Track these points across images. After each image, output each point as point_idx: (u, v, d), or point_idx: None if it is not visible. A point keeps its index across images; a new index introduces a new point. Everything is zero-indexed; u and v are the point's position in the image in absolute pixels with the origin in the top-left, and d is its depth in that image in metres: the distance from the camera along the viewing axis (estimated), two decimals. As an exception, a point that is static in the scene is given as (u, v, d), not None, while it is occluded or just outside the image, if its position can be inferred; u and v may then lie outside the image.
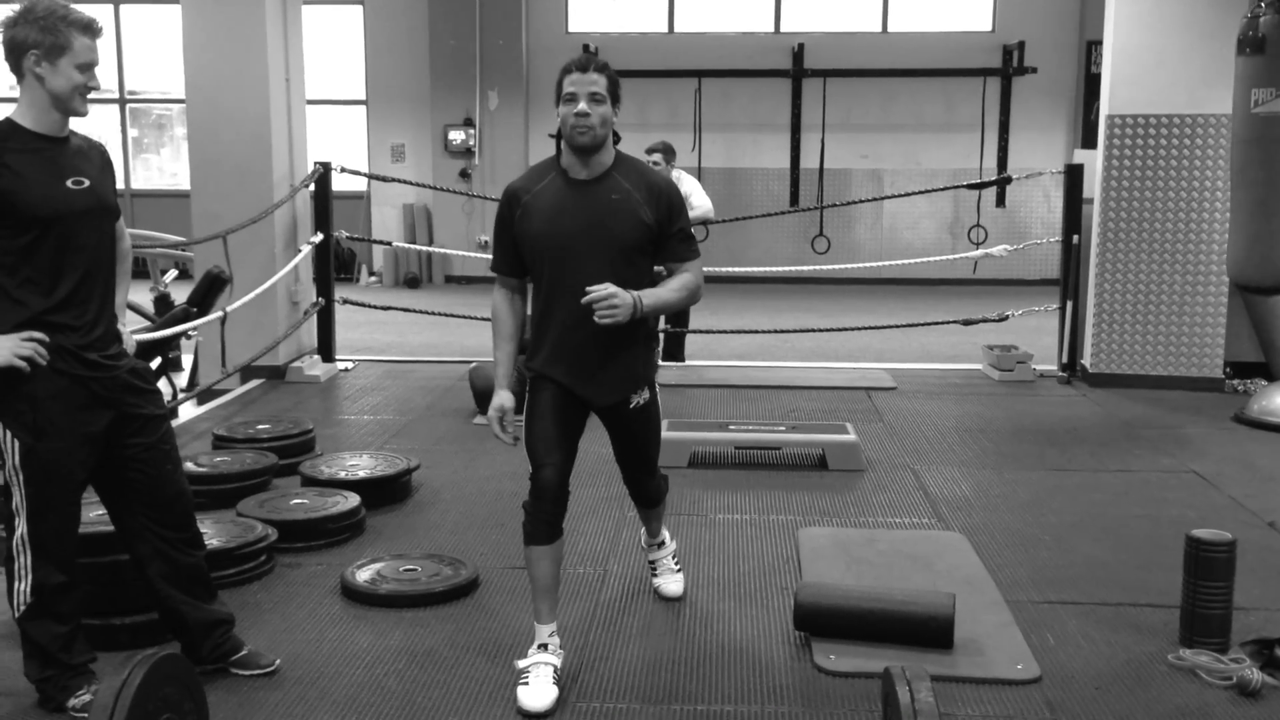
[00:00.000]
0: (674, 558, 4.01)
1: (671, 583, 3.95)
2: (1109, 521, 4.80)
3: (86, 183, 3.06)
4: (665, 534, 3.99)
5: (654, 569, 3.99)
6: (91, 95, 3.07)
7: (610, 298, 3.11)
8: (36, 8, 2.98)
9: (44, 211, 2.97)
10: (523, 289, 3.44)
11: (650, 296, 3.23)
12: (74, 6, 3.03)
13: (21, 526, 3.05)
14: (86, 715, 2.72)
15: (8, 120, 3.02)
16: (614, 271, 3.23)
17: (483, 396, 6.37)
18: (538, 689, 3.16)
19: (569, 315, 3.26)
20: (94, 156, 3.15)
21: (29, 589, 3.06)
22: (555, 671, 3.23)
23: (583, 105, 3.19)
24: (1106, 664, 3.46)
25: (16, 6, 3.01)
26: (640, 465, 3.68)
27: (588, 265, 3.23)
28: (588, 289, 3.13)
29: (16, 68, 3.00)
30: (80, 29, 2.99)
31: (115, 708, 2.30)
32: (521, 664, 3.25)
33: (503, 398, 3.32)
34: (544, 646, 3.26)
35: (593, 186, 3.28)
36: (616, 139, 3.34)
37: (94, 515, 3.59)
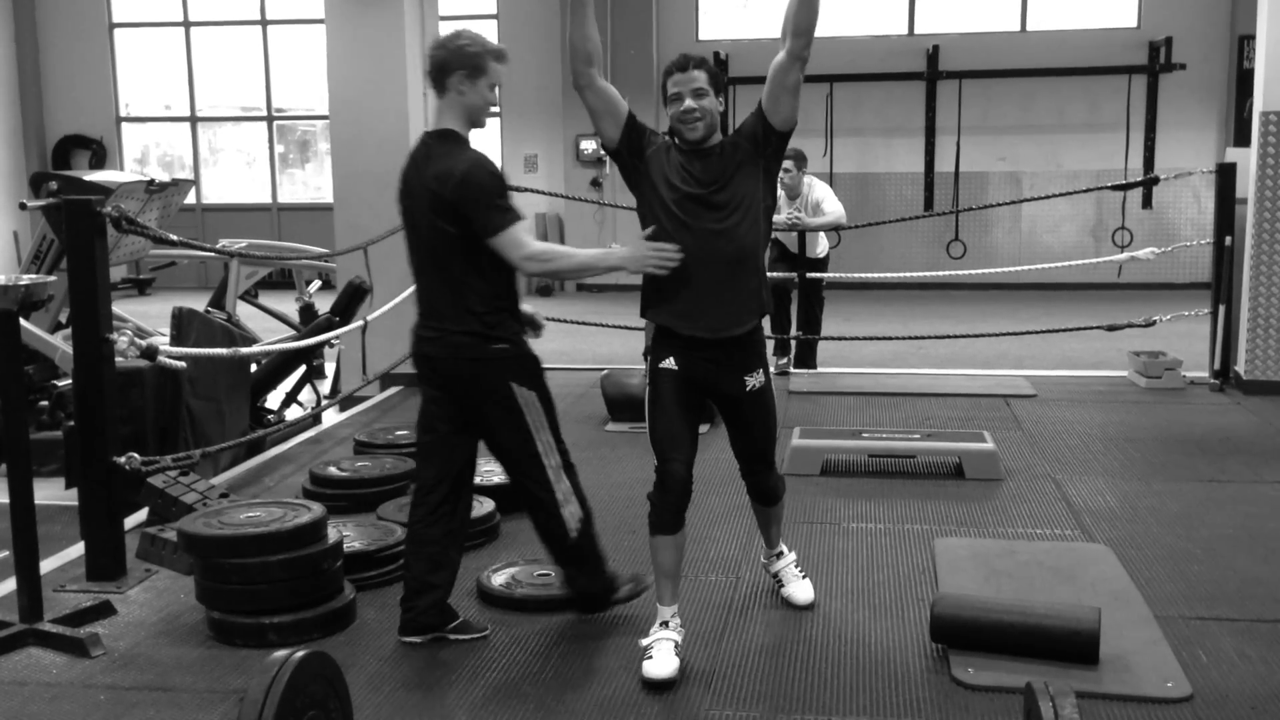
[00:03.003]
0: (797, 565, 3.99)
1: (801, 590, 3.92)
2: (1266, 535, 4.59)
3: None
4: (783, 545, 4.01)
5: (780, 580, 3.97)
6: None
7: None
8: (463, 36, 3.50)
9: None
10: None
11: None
12: (480, 35, 3.53)
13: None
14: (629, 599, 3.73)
15: (453, 130, 3.49)
16: (740, 223, 3.42)
17: (614, 404, 6.42)
18: (660, 660, 3.32)
19: (686, 257, 3.39)
20: None
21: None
22: (676, 646, 3.36)
23: (689, 102, 3.40)
24: (1263, 684, 3.31)
25: (443, 34, 3.58)
26: (757, 455, 3.73)
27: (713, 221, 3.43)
28: None
29: (441, 83, 3.50)
30: (495, 56, 3.49)
31: (265, 703, 2.38)
32: (645, 641, 3.38)
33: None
34: (665, 624, 3.41)
35: (703, 150, 3.46)
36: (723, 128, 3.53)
37: (243, 517, 3.73)
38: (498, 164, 3.54)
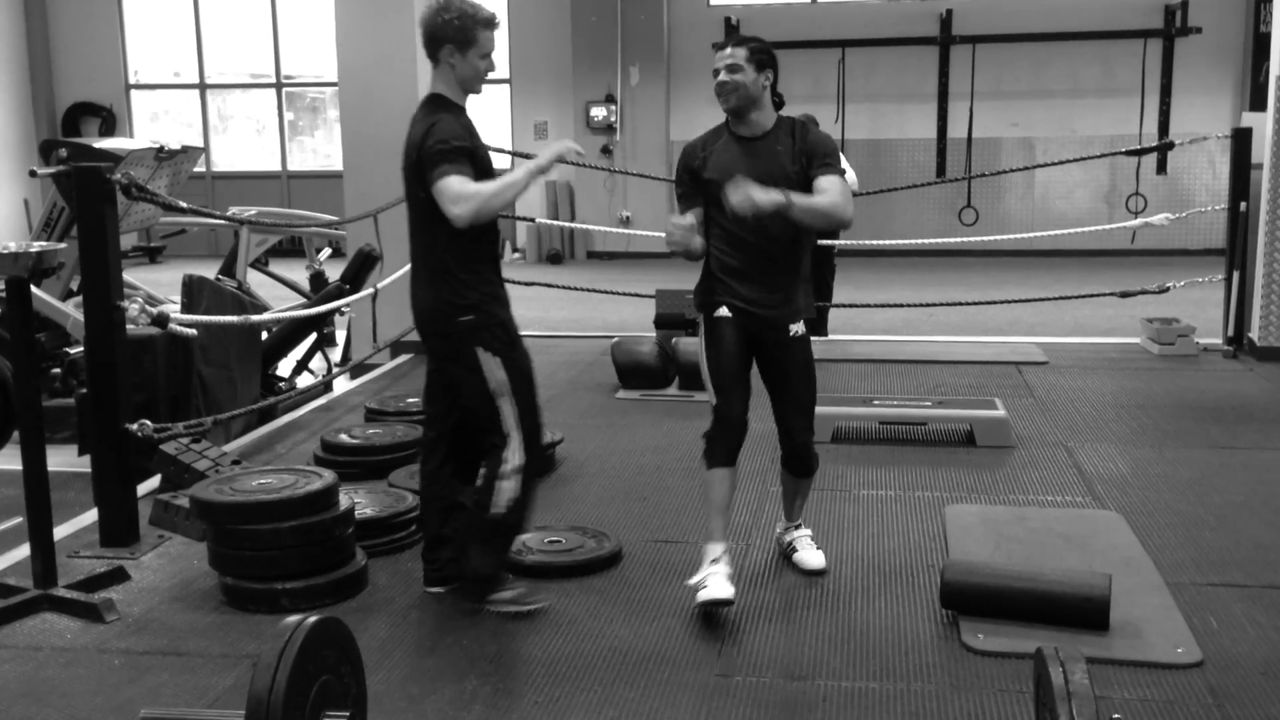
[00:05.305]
0: (811, 538, 4.02)
1: (814, 556, 3.94)
2: (1278, 502, 4.58)
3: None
4: (801, 520, 4.07)
5: (793, 546, 4.00)
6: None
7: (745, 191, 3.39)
8: (451, 6, 3.48)
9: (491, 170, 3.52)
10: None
11: (800, 198, 3.48)
12: (477, 4, 3.51)
13: None
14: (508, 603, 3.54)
15: (439, 95, 3.52)
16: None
17: (625, 371, 6.40)
18: (716, 585, 3.47)
19: (740, 248, 3.63)
20: None
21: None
22: (729, 576, 3.52)
23: (722, 76, 3.62)
24: (1274, 649, 3.31)
25: (433, 3, 3.51)
26: (799, 409, 3.81)
27: None
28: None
29: (433, 55, 3.52)
30: (484, 25, 3.50)
31: (278, 668, 2.39)
32: (694, 580, 3.54)
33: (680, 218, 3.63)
34: (715, 561, 3.54)
35: (757, 142, 3.65)
36: (780, 103, 3.69)
37: (255, 484, 3.75)
38: (453, 128, 3.43)
